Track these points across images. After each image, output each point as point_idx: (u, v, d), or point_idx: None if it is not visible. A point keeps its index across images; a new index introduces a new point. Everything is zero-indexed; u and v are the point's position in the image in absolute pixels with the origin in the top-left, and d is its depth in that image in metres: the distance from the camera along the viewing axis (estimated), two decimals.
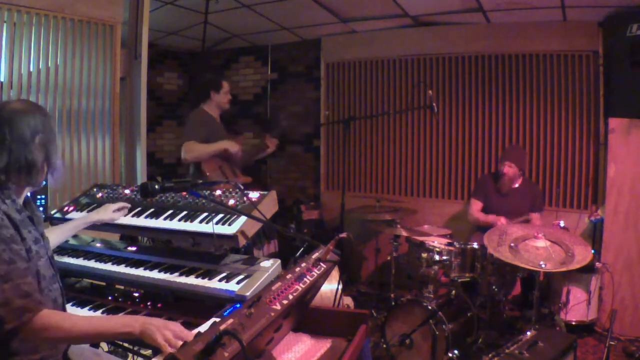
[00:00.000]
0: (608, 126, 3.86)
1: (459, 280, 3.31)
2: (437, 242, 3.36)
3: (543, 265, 2.75)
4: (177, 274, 1.82)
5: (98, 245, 2.15)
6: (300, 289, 1.43)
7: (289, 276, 1.45)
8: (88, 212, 2.19)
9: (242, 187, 2.04)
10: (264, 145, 3.97)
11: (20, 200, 1.48)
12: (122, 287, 1.96)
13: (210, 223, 1.88)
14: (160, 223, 2.02)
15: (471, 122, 4.65)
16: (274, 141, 3.98)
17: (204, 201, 2.03)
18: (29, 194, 1.56)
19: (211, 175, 3.44)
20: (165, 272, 1.84)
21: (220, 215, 1.95)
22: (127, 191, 2.31)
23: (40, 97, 3.19)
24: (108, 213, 2.06)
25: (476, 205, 3.93)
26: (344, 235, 1.78)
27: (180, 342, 1.20)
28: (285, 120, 5.63)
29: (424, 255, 3.26)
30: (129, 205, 2.15)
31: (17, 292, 1.26)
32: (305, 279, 1.48)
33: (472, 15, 4.30)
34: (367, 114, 5.07)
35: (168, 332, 1.25)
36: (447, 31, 4.65)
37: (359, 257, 5.03)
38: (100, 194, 2.34)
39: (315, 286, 1.60)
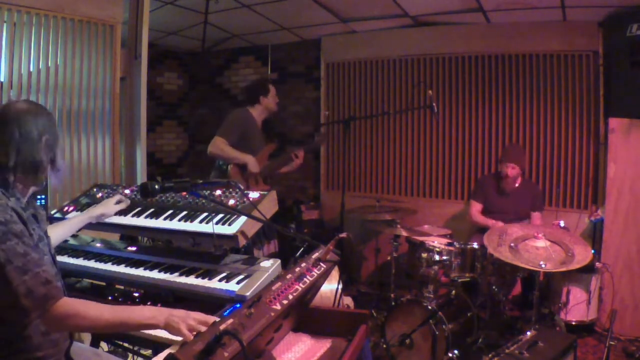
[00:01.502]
0: (608, 126, 3.86)
1: (459, 280, 3.31)
2: (437, 242, 3.36)
3: (543, 265, 2.75)
4: (177, 274, 1.82)
5: (98, 245, 2.15)
6: (300, 289, 1.43)
7: (289, 276, 1.45)
8: (89, 209, 2.19)
9: (242, 187, 2.04)
10: (289, 158, 3.81)
11: (25, 199, 1.49)
12: (122, 287, 1.95)
13: (210, 223, 1.89)
14: (160, 223, 2.03)
15: (471, 122, 4.65)
16: (300, 153, 3.80)
17: (204, 201, 2.03)
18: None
19: (234, 178, 3.43)
20: (165, 272, 1.84)
21: (220, 215, 1.95)
22: (127, 191, 2.31)
23: (40, 97, 3.19)
24: (110, 207, 2.04)
25: (476, 207, 3.93)
26: (344, 235, 1.78)
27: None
28: (285, 120, 5.64)
29: (424, 255, 3.26)
30: (129, 201, 2.14)
31: (38, 280, 1.28)
32: (305, 279, 1.48)
33: (472, 15, 4.30)
34: (367, 114, 5.07)
35: (192, 320, 1.28)
36: (447, 31, 4.65)
37: (359, 257, 5.02)
38: (100, 194, 2.34)
39: (315, 286, 1.60)
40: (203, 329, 1.22)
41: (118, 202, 2.09)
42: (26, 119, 1.43)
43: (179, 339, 1.29)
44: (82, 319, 1.31)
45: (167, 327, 1.30)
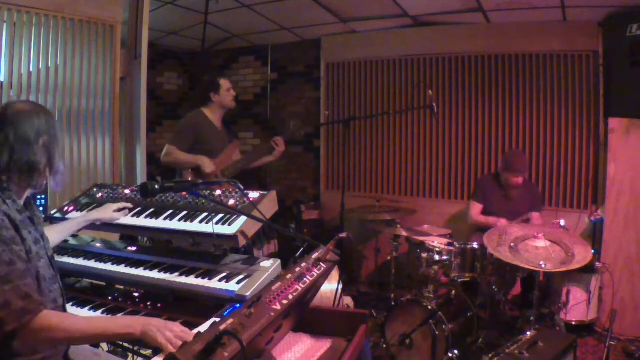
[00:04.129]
0: (608, 126, 3.86)
1: (459, 280, 3.31)
2: (437, 242, 3.36)
3: (543, 265, 2.75)
4: (177, 274, 1.82)
5: (98, 245, 2.15)
6: (300, 289, 1.43)
7: (289, 276, 1.45)
8: (88, 212, 2.19)
9: (242, 187, 2.04)
10: (269, 147, 3.64)
11: (21, 202, 1.48)
12: (122, 287, 1.96)
13: (210, 223, 1.88)
14: (160, 223, 2.02)
15: (471, 122, 4.64)
16: (280, 141, 3.61)
17: (204, 201, 2.03)
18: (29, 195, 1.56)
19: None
20: (165, 272, 1.84)
21: (220, 215, 1.95)
22: (127, 191, 2.31)
23: (40, 97, 3.19)
24: (108, 212, 2.07)
25: (476, 208, 3.92)
26: (344, 235, 1.78)
27: (181, 342, 1.20)
28: (285, 120, 5.63)
29: (424, 255, 3.26)
30: (131, 206, 2.15)
31: (17, 293, 1.25)
32: (305, 279, 1.49)
33: (472, 15, 4.30)
34: (367, 114, 5.07)
35: (169, 332, 1.26)
36: (447, 31, 4.65)
37: (359, 257, 5.03)
38: (100, 194, 2.34)
39: (315, 286, 1.60)
40: (179, 342, 1.21)
41: (119, 210, 2.09)
42: (23, 120, 1.42)
43: None
44: (56, 331, 1.28)
45: (144, 336, 1.27)
